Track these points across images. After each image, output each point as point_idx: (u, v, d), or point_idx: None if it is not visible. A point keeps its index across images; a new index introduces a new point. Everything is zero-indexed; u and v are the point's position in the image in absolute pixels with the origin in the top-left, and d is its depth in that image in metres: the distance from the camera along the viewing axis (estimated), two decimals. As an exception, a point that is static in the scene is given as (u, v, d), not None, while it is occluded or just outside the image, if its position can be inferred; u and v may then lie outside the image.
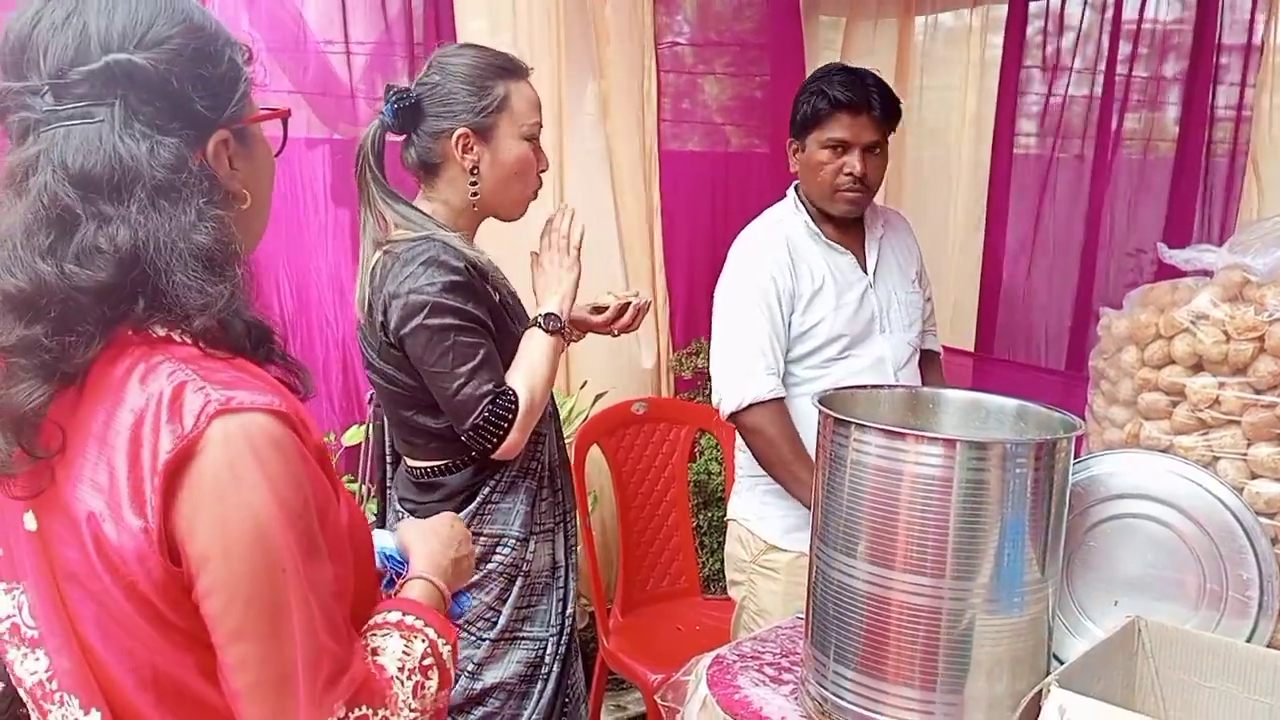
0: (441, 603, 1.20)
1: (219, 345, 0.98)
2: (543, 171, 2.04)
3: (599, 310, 2.25)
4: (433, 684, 1.07)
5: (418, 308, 1.82)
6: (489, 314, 1.91)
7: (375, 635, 1.08)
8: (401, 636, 1.08)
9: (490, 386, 1.84)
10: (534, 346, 1.95)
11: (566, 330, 2.00)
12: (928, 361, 2.57)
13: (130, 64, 0.94)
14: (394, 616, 1.10)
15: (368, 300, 1.91)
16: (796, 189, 2.45)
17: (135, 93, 0.95)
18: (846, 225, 2.42)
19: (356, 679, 0.98)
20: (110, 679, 0.97)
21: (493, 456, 1.90)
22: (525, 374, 1.91)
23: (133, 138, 0.94)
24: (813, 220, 2.39)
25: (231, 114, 1.03)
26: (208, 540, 0.91)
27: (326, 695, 0.94)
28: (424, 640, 1.09)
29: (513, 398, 1.86)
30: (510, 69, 1.97)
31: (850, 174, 2.30)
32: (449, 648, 1.12)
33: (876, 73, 2.40)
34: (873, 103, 2.30)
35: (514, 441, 1.88)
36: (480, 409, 1.84)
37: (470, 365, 1.84)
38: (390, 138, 1.97)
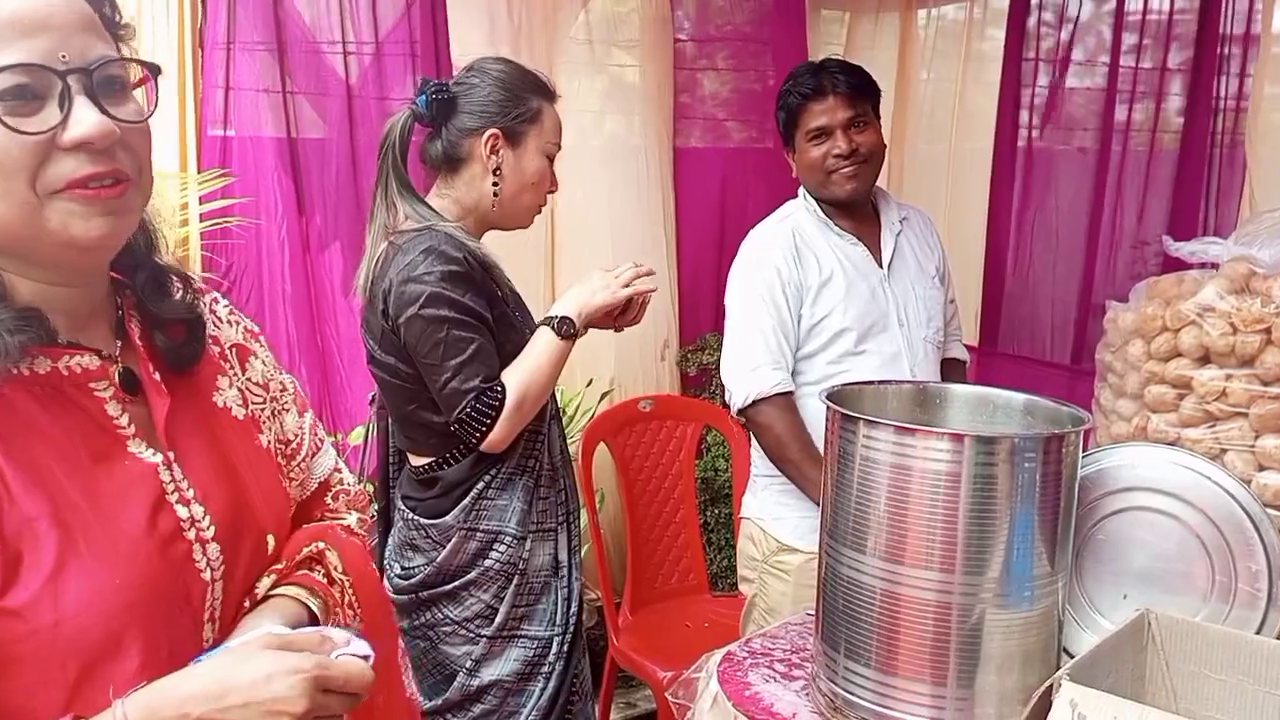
0: None
1: None
2: (552, 192, 2.08)
3: None
4: None
5: (414, 297, 1.85)
6: (488, 305, 1.92)
7: None
8: None
9: (477, 382, 1.86)
10: (541, 346, 1.95)
11: (577, 336, 1.99)
12: (953, 370, 2.54)
13: None
14: None
15: (369, 289, 1.94)
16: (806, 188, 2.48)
17: None
18: (860, 216, 2.43)
19: None
20: None
21: (480, 449, 1.92)
22: (525, 371, 1.92)
23: None
24: (824, 212, 2.40)
25: None
26: None
27: None
28: None
29: (500, 393, 1.88)
30: (545, 88, 2.03)
31: (838, 154, 2.33)
32: None
33: (841, 57, 2.44)
34: (835, 83, 2.34)
35: (499, 436, 1.90)
36: (465, 404, 1.87)
37: (459, 360, 1.86)
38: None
